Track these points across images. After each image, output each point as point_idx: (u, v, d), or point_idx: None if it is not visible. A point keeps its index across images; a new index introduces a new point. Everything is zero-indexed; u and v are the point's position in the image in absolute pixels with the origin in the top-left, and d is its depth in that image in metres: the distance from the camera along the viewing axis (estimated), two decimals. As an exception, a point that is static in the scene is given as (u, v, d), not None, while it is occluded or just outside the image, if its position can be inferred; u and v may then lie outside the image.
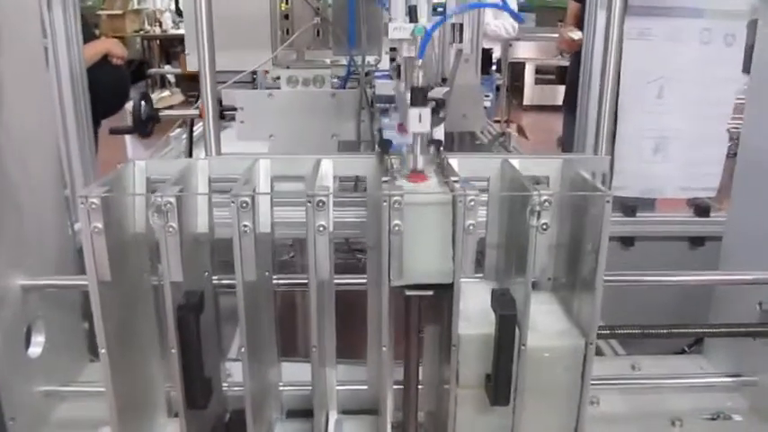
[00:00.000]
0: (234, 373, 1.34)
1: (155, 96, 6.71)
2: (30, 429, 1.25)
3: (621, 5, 1.43)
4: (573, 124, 2.01)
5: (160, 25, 9.72)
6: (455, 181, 1.01)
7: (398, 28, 1.06)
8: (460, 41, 2.73)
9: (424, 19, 1.12)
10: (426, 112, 1.06)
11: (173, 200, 0.96)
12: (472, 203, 0.96)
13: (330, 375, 1.29)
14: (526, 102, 8.94)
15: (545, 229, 0.97)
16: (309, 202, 0.97)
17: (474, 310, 1.08)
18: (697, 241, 1.98)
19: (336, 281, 1.26)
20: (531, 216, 0.97)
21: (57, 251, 1.36)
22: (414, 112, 1.06)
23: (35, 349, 1.28)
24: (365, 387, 1.35)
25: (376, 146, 1.52)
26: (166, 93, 6.73)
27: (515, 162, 1.16)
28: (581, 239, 1.09)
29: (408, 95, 1.09)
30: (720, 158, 1.84)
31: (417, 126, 1.06)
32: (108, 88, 2.00)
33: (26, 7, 1.29)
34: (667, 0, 1.75)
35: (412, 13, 1.09)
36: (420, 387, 1.20)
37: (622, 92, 1.77)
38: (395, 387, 1.20)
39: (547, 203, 0.96)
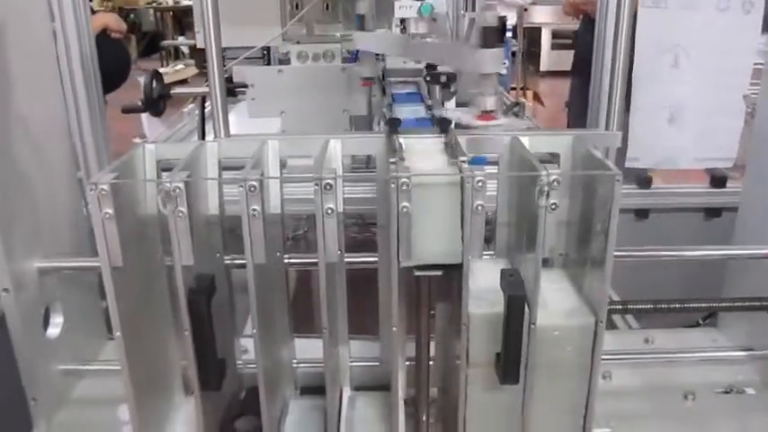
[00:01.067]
0: (249, 349, 1.36)
1: (168, 69, 6.73)
2: (51, 408, 1.28)
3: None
4: (580, 88, 1.98)
5: (173, -4, 9.68)
6: (463, 161, 1.00)
7: (404, 6, 1.05)
8: (473, 10, 2.69)
9: (431, -6, 1.11)
10: (498, 52, 1.15)
11: (181, 185, 0.97)
12: (480, 184, 0.95)
13: (343, 353, 1.31)
14: (543, 68, 8.83)
15: (554, 209, 0.97)
16: (317, 185, 0.97)
17: (484, 288, 1.08)
18: (713, 212, 1.96)
19: (347, 259, 1.26)
20: (540, 196, 0.96)
21: (72, 233, 1.38)
22: (485, 53, 1.11)
23: (54, 330, 1.30)
24: (378, 364, 1.36)
25: (382, 123, 1.53)
26: (180, 65, 6.75)
27: (525, 139, 1.15)
28: (592, 218, 1.08)
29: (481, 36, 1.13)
30: (737, 128, 1.80)
31: (490, 66, 1.09)
32: (108, 63, 1.99)
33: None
34: (683, -33, 1.71)
35: (418, -9, 1.08)
36: (432, 363, 1.21)
37: (637, 62, 1.74)
38: (407, 363, 1.21)
39: (555, 183, 0.96)
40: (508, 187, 1.19)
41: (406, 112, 1.79)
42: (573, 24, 8.69)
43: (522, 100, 2.44)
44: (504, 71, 4.99)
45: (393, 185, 0.95)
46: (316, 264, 1.07)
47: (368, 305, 1.35)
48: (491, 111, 1.26)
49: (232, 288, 1.28)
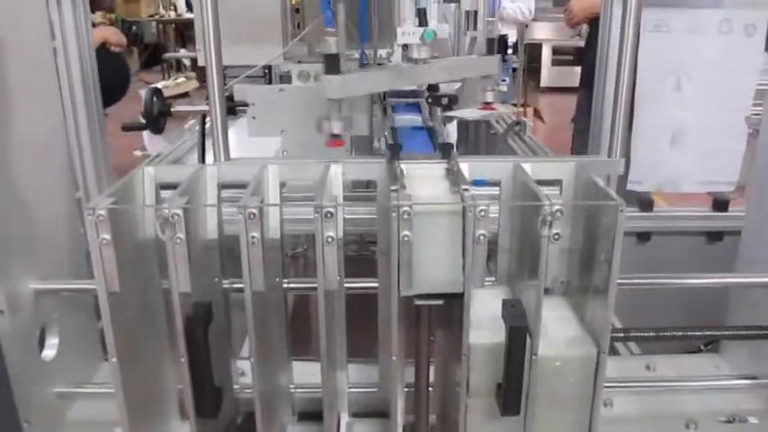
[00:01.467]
0: (246, 372, 1.34)
1: (170, 82, 6.73)
2: (45, 431, 1.26)
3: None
4: (587, 104, 1.97)
5: (175, 9, 9.72)
6: (465, 189, 0.99)
7: (407, 32, 1.05)
8: (475, 29, 2.68)
9: (434, 21, 1.11)
10: (497, 58, 1.38)
11: (180, 212, 0.95)
12: (482, 213, 0.94)
13: (341, 378, 1.29)
14: (543, 83, 8.84)
15: (557, 239, 0.96)
16: (317, 213, 0.96)
17: (485, 316, 1.07)
18: (715, 236, 1.94)
19: (347, 284, 1.25)
20: (543, 226, 0.95)
21: (69, 253, 1.36)
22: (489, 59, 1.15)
23: (49, 352, 1.29)
24: (376, 390, 1.34)
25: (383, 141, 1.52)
26: (182, 78, 6.75)
27: (528, 166, 1.14)
28: (594, 245, 1.07)
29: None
30: (740, 151, 1.80)
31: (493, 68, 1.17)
32: (107, 77, 1.99)
33: (33, 10, 1.28)
34: (685, -10, 1.71)
35: (421, 17, 1.08)
36: (431, 389, 1.20)
37: (639, 85, 1.73)
38: (406, 390, 1.20)
39: (559, 213, 0.94)
40: (510, 213, 1.18)
41: (403, 121, 1.79)
42: (574, 41, 8.74)
43: (524, 119, 2.43)
44: (504, 88, 5.00)
45: (394, 214, 0.94)
46: (315, 289, 1.05)
47: (367, 326, 1.34)
48: (491, 102, 1.55)
49: (229, 311, 1.27)
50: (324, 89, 1.25)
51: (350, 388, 1.33)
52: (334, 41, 1.23)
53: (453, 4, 2.49)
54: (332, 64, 1.23)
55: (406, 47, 1.36)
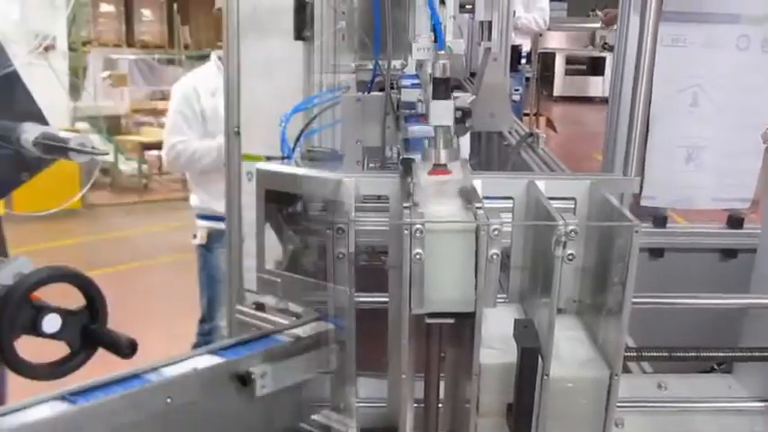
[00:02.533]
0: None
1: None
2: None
3: (656, 11, 1.37)
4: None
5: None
6: (478, 207, 0.98)
7: (422, 48, 1.04)
8: (489, 40, 2.68)
9: (450, 36, 1.10)
10: (449, 104, 1.04)
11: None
12: (496, 233, 0.93)
13: (349, 393, 1.28)
14: (556, 93, 8.84)
15: (571, 260, 0.95)
16: (329, 229, 0.95)
17: (496, 335, 1.06)
18: (729, 253, 1.93)
19: (357, 299, 1.24)
20: (557, 246, 0.94)
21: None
22: (435, 105, 1.04)
23: None
24: (385, 405, 1.33)
25: (399, 163, 1.50)
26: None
27: (541, 183, 1.13)
28: (608, 265, 1.06)
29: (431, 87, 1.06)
30: (755, 169, 1.79)
31: (440, 119, 1.04)
32: None
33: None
34: (703, 6, 1.70)
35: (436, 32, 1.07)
36: (440, 406, 1.19)
37: (654, 100, 1.72)
38: (415, 406, 1.18)
39: (573, 233, 0.93)
40: (523, 230, 1.17)
41: (416, 132, 1.78)
42: (587, 50, 8.74)
43: (537, 131, 2.42)
44: (516, 98, 4.98)
45: (406, 231, 0.93)
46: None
47: (377, 338, 1.33)
48: (444, 165, 1.08)
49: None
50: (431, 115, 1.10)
51: (359, 402, 1.32)
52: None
53: (467, 15, 2.48)
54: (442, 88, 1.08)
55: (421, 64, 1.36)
